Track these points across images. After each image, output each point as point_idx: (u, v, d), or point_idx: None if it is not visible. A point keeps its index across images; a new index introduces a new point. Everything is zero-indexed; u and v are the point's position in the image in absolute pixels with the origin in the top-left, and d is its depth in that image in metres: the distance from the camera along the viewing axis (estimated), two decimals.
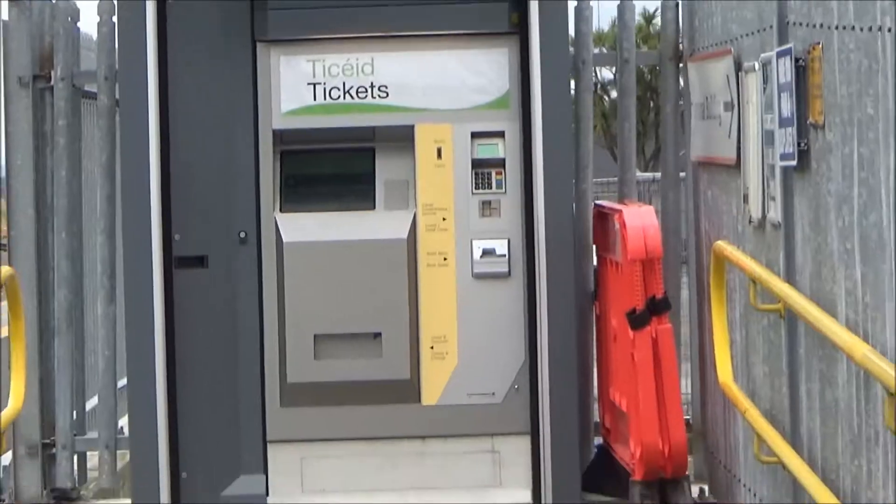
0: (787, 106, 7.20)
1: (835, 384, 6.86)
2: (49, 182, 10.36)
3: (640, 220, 8.53)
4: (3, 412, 8.02)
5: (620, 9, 10.46)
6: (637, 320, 8.41)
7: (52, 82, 10.32)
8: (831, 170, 6.81)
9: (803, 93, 7.12)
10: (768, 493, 8.22)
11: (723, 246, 8.29)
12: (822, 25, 6.87)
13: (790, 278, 7.51)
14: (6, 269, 8.03)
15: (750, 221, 8.30)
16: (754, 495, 8.58)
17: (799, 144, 7.10)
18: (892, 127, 5.90)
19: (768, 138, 7.69)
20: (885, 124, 6.02)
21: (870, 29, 6.09)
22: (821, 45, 6.85)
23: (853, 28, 6.36)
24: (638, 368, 8.45)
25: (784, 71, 7.27)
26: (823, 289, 7.04)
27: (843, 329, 6.36)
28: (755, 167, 8.05)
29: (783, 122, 7.30)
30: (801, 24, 7.28)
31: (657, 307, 8.44)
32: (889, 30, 5.81)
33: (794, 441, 7.49)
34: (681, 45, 10.44)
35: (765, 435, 7.47)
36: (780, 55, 7.38)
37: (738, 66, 8.46)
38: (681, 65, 10.45)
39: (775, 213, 7.68)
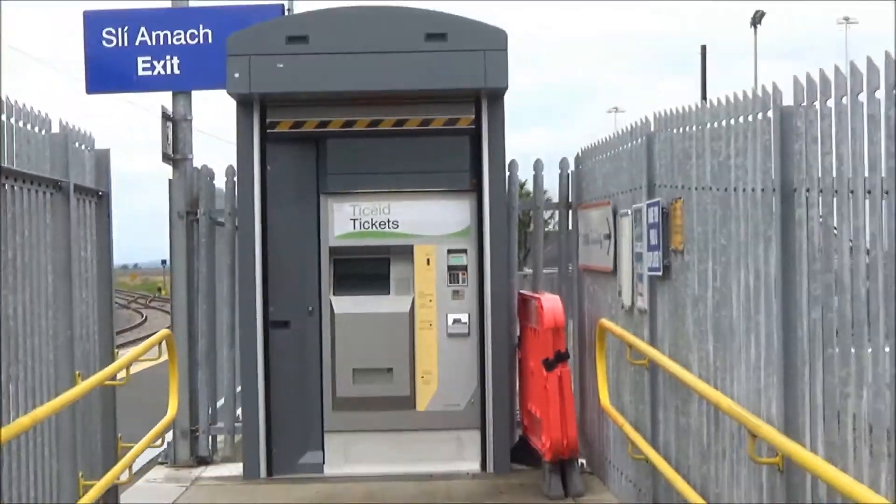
0: (655, 238, 8.68)
1: (688, 414, 8.25)
2: (195, 275, 12.60)
3: (551, 304, 10.55)
4: (163, 419, 9.92)
5: (535, 177, 12.65)
6: (549, 365, 10.39)
7: (198, 216, 12.57)
8: (688, 280, 8.16)
9: (667, 230, 8.53)
10: (633, 475, 9.79)
11: (606, 322, 10.12)
12: (683, 186, 8.26)
13: (654, 345, 9.01)
14: (165, 331, 10.00)
15: (622, 307, 9.94)
16: (622, 474, 10.26)
17: (664, 262, 8.57)
18: (743, 253, 7.06)
19: (638, 257, 9.29)
20: (736, 252, 7.20)
21: (725, 189, 7.35)
22: (682, 200, 8.29)
23: (710, 188, 7.64)
24: (549, 395, 10.37)
25: (653, 216, 8.76)
26: (679, 354, 8.42)
27: (708, 385, 7.56)
28: (627, 274, 9.68)
29: (651, 248, 8.80)
30: (665, 186, 8.73)
31: (561, 357, 10.42)
32: (736, 189, 7.11)
33: (654, 445, 8.98)
34: (569, 198, 12.50)
35: (636, 441, 9.12)
36: (649, 206, 8.94)
37: (615, 212, 10.17)
38: (570, 210, 12.44)
39: (643, 304, 9.26)
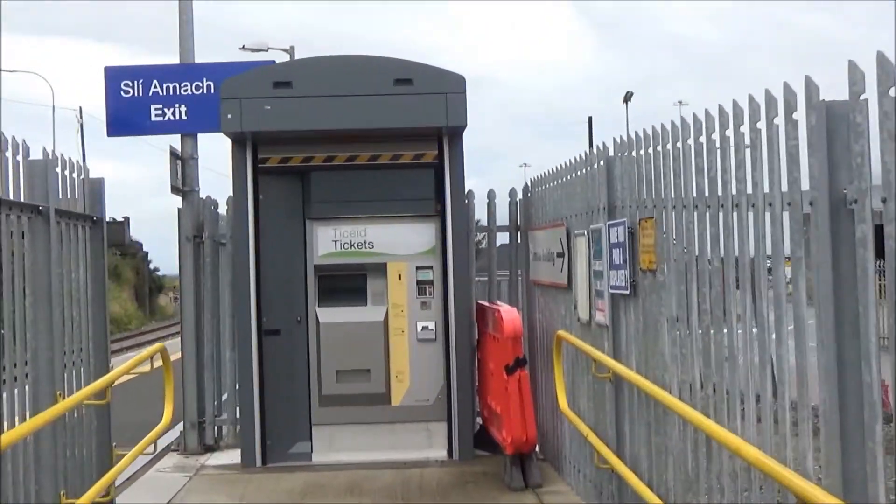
0: (619, 257, 6.13)
1: (665, 435, 5.57)
2: (202, 290, 9.99)
3: (511, 316, 8.01)
4: (156, 427, 7.21)
5: (488, 204, 9.97)
6: (510, 370, 7.87)
7: (203, 239, 10.06)
8: (662, 299, 5.55)
9: (634, 249, 5.98)
10: (593, 476, 7.13)
11: (564, 334, 7.48)
12: (654, 206, 5.61)
13: (618, 360, 6.33)
14: (158, 346, 7.32)
15: (578, 320, 7.34)
16: (580, 472, 7.67)
17: (632, 280, 6.00)
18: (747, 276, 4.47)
19: (597, 275, 6.67)
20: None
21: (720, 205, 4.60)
22: (654, 219, 5.65)
23: (695, 206, 5.02)
24: (510, 396, 7.90)
25: (616, 235, 6.18)
26: (653, 373, 5.72)
27: (720, 427, 4.56)
28: (583, 290, 7.08)
29: (615, 266, 6.21)
30: (628, 206, 6.15)
31: (520, 363, 7.90)
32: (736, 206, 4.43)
33: (619, 455, 6.36)
34: (518, 222, 10.00)
35: (602, 452, 6.51)
36: (611, 226, 6.31)
37: (568, 233, 7.63)
38: (518, 231, 10.00)
39: (603, 319, 6.60)
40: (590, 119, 45.55)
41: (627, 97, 48.37)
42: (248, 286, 9.05)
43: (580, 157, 7.45)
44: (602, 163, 6.65)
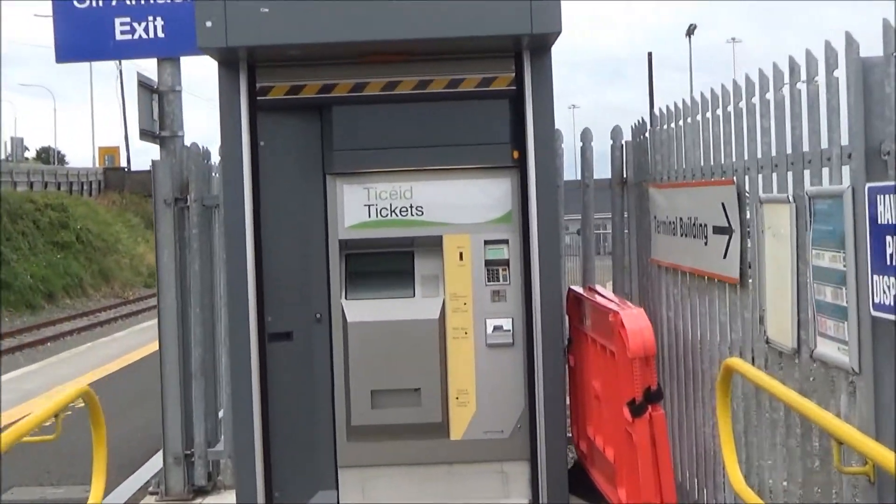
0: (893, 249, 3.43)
1: None
2: (187, 272, 7.39)
3: (637, 324, 5.13)
4: None
5: (582, 149, 7.45)
6: (637, 410, 5.10)
7: (189, 203, 7.29)
8: None
9: None
10: None
11: (742, 365, 4.52)
12: None
13: (882, 438, 3.58)
14: (81, 388, 4.91)
15: (767, 342, 4.71)
16: None
17: None
18: None
19: (821, 275, 3.99)
20: None
21: None
22: None
23: None
24: (637, 448, 5.15)
25: (885, 209, 3.45)
26: None
27: None
28: (783, 295, 4.40)
29: (882, 268, 3.48)
30: None
31: (653, 397, 5.10)
32: None
33: None
34: (624, 174, 7.44)
35: None
36: (879, 191, 3.51)
37: (740, 196, 4.94)
38: (623, 188, 7.36)
39: (834, 354, 3.91)
40: (649, 55, 41.89)
41: (690, 30, 44.76)
42: (245, 271, 6.29)
43: (772, 69, 4.49)
44: (851, 71, 3.66)
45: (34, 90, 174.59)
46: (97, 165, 56.24)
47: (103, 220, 42.13)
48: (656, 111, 6.57)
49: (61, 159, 78.83)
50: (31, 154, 79.75)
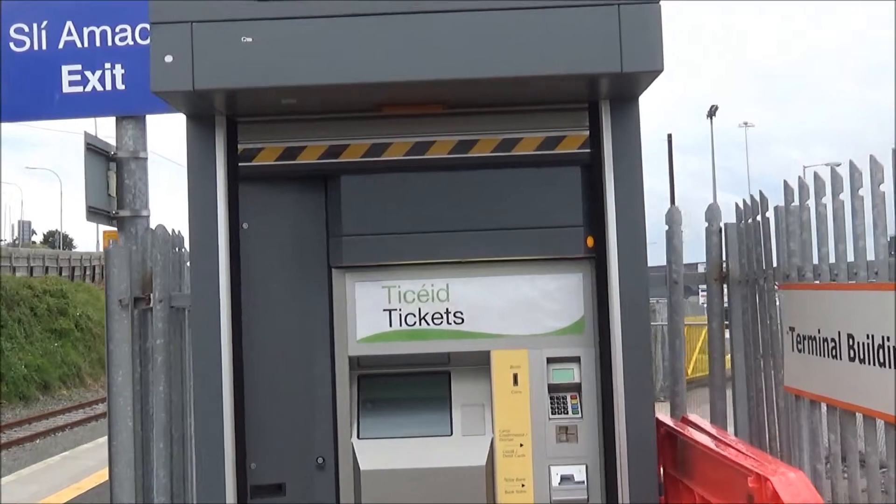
0: None
1: None
2: (150, 396, 5.69)
3: (799, 498, 3.32)
4: None
5: (669, 234, 5.77)
6: None
7: (152, 304, 5.56)
8: None
9: None
10: None
11: None
12: None
13: None
14: None
15: None
16: None
17: None
18: None
19: None
20: None
21: None
22: None
23: None
24: None
25: None
26: None
27: None
28: None
29: None
30: None
31: None
32: None
33: None
34: (723, 267, 5.74)
35: None
36: None
37: None
38: (724, 285, 5.71)
39: None
40: (669, 137, 40.59)
41: (712, 111, 43.55)
42: (220, 400, 4.53)
43: None
44: None
45: (41, 173, 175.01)
46: (101, 249, 54.97)
47: (105, 306, 40.58)
48: (790, 183, 4.84)
49: (69, 243, 77.83)
50: (38, 238, 78.85)
